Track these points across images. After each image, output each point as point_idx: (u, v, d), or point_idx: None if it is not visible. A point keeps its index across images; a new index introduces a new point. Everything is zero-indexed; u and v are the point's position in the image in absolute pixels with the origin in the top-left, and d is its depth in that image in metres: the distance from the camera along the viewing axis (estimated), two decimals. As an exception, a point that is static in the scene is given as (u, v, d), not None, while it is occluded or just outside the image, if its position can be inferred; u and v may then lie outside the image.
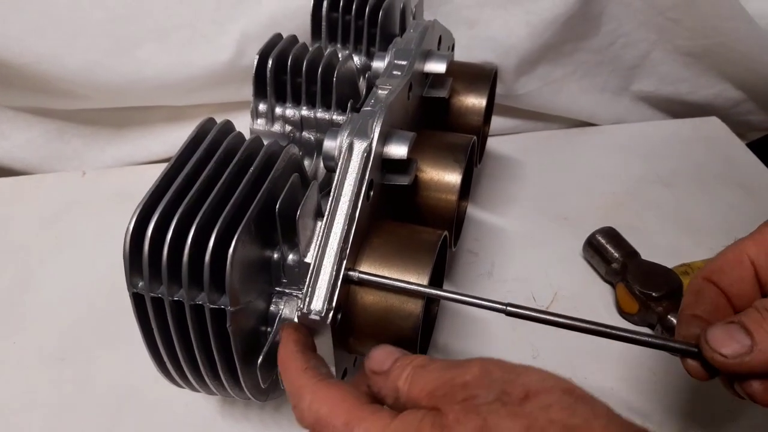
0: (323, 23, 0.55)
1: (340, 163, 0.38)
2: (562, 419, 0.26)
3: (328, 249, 0.36)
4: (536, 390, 0.27)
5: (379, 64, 0.50)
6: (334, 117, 0.45)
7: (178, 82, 0.63)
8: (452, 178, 0.46)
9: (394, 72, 0.46)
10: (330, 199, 0.37)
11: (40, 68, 0.61)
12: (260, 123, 0.46)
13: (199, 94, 0.66)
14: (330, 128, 0.42)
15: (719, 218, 0.64)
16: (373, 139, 0.38)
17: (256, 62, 0.44)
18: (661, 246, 0.60)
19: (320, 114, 0.45)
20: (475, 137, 0.50)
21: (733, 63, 0.73)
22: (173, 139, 0.70)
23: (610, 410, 0.27)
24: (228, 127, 0.39)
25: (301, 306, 0.35)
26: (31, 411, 0.49)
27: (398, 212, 0.46)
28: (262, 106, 0.46)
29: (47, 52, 0.61)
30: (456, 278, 0.58)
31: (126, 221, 0.62)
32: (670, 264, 0.56)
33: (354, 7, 0.54)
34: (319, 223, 0.37)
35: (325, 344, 0.36)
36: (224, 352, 0.35)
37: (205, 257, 0.32)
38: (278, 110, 0.46)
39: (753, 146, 0.74)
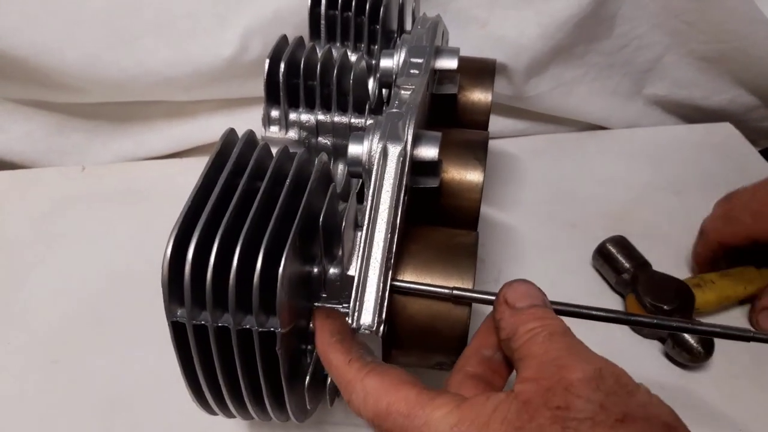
0: (322, 21, 0.53)
1: (375, 169, 0.36)
2: None
3: (372, 260, 0.34)
4: (635, 416, 0.25)
5: (388, 63, 0.48)
6: (352, 120, 0.44)
7: (179, 77, 0.62)
8: (475, 176, 0.45)
9: (412, 71, 0.44)
10: (368, 207, 0.35)
11: (39, 60, 0.59)
12: (273, 130, 0.44)
13: (201, 90, 0.64)
14: (352, 132, 0.40)
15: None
16: (407, 142, 0.37)
17: (267, 67, 0.42)
18: (671, 256, 0.58)
19: (337, 118, 0.44)
20: (488, 133, 0.49)
21: (748, 68, 0.71)
22: (175, 134, 0.68)
23: None
24: (252, 138, 0.37)
25: (350, 321, 0.33)
26: (22, 415, 0.47)
27: (419, 214, 0.45)
28: (274, 113, 0.44)
29: (46, 44, 0.59)
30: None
31: (126, 217, 0.61)
32: (681, 275, 0.54)
33: (354, 4, 0.52)
34: (359, 234, 0.36)
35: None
36: (271, 376, 0.33)
37: (254, 278, 0.31)
38: (292, 116, 0.44)
39: (766, 153, 0.72)
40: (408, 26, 0.57)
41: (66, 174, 0.68)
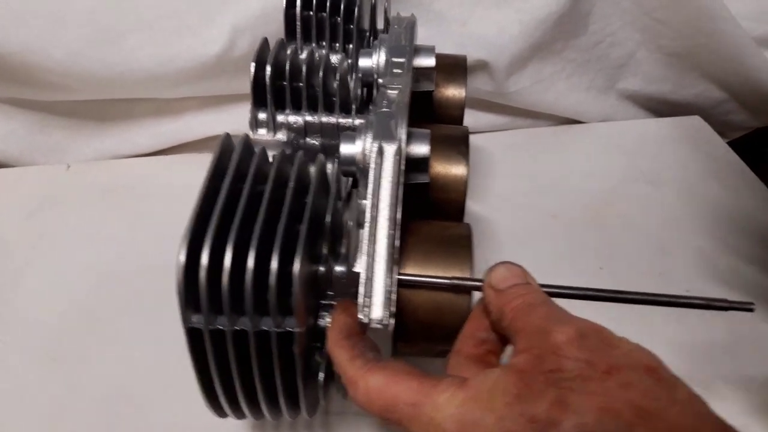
0: (297, 22, 0.54)
1: (373, 168, 0.38)
2: (638, 401, 0.26)
3: (377, 256, 0.35)
4: (619, 365, 0.27)
5: (367, 63, 0.49)
6: (340, 120, 0.45)
7: (165, 75, 0.62)
8: (459, 170, 0.47)
9: (395, 70, 0.46)
10: (368, 204, 0.36)
11: (24, 58, 0.59)
12: (262, 132, 0.45)
13: (188, 87, 0.64)
14: (343, 132, 0.42)
15: (703, 217, 0.65)
16: (402, 140, 0.38)
17: (252, 71, 0.43)
18: (646, 245, 0.61)
19: (325, 119, 0.45)
20: (468, 127, 0.50)
21: (716, 63, 0.74)
22: (160, 132, 0.68)
23: (692, 395, 0.27)
24: (249, 142, 0.38)
25: (360, 317, 0.35)
26: (22, 414, 0.47)
27: (408, 209, 0.46)
28: (261, 115, 0.45)
29: (31, 42, 0.59)
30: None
31: (114, 215, 0.61)
32: (656, 264, 0.57)
33: (328, 4, 0.53)
34: (361, 231, 0.37)
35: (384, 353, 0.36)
36: (286, 376, 0.34)
37: (269, 280, 0.32)
38: (280, 118, 0.45)
39: (733, 145, 0.76)
40: (380, 25, 0.58)
41: (51, 172, 0.68)
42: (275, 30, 0.62)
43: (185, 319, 0.33)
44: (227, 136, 0.38)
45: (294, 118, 0.45)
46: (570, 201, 0.66)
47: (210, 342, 0.33)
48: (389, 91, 0.43)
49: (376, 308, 0.36)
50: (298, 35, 0.53)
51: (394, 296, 0.36)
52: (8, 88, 0.65)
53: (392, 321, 0.36)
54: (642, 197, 0.68)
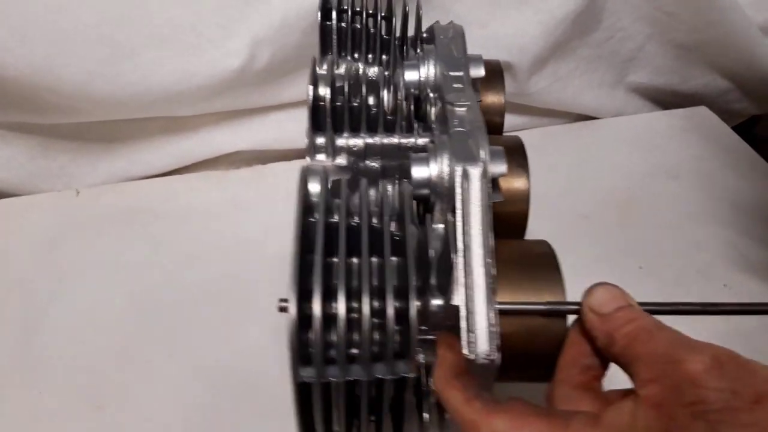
0: (333, 35, 0.51)
1: (459, 192, 0.36)
2: None
3: (475, 287, 0.34)
4: (766, 392, 0.26)
5: (413, 76, 0.48)
6: (402, 141, 0.43)
7: (184, 92, 0.59)
8: (521, 183, 0.45)
9: (455, 85, 0.44)
10: (459, 231, 0.35)
11: (30, 81, 0.55)
12: (320, 158, 0.43)
13: (206, 103, 0.61)
14: (413, 154, 0.40)
15: (727, 209, 0.66)
16: (486, 161, 0.37)
17: (310, 95, 0.41)
18: (679, 241, 0.62)
19: (386, 140, 0.43)
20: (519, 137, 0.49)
21: (724, 54, 0.75)
22: (174, 150, 0.65)
23: None
24: (327, 174, 0.36)
25: (467, 353, 0.33)
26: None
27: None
28: (320, 140, 0.43)
29: (37, 63, 0.55)
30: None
31: (134, 240, 0.58)
32: (691, 260, 0.58)
33: (364, 15, 0.51)
34: (455, 260, 0.35)
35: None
36: (395, 420, 0.33)
37: (387, 326, 0.30)
38: (340, 141, 0.43)
39: (737, 130, 0.78)
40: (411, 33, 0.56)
41: (60, 199, 0.64)
42: (296, 41, 0.60)
43: (296, 375, 0.31)
44: (307, 168, 0.36)
45: (354, 141, 0.43)
46: (598, 200, 0.66)
47: (320, 395, 0.32)
48: (457, 109, 0.41)
49: (482, 342, 0.34)
50: (334, 47, 0.51)
51: (497, 328, 0.35)
52: (7, 112, 0.61)
53: (499, 354, 0.35)
54: (666, 192, 0.68)
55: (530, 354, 0.38)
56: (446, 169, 0.39)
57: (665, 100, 0.82)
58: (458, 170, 0.37)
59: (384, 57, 0.51)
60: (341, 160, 0.43)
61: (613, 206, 0.66)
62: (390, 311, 0.31)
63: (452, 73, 0.44)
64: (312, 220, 0.35)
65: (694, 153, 0.74)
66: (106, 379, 0.49)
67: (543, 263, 0.39)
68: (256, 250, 0.59)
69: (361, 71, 0.49)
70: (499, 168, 0.40)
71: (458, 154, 0.38)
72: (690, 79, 0.79)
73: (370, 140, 0.43)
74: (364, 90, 0.41)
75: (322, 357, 0.31)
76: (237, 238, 0.60)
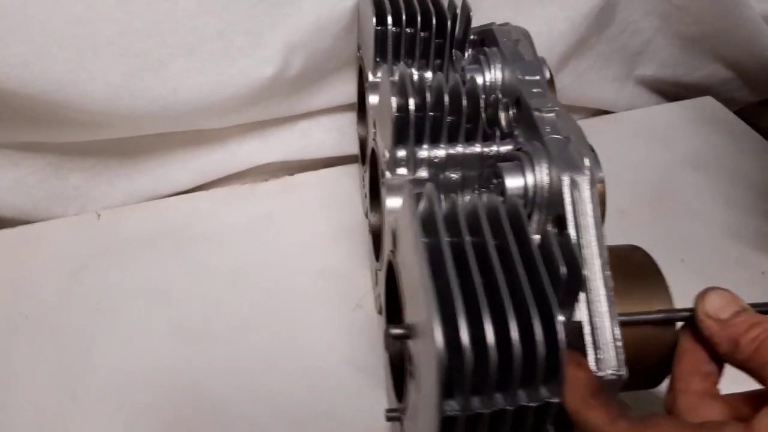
0: (389, 40, 0.50)
1: (568, 203, 0.35)
2: None
3: (597, 302, 0.33)
4: None
5: (479, 81, 0.47)
6: (484, 150, 0.41)
7: (214, 104, 0.55)
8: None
9: (534, 90, 0.43)
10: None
11: (53, 98, 0.51)
12: (401, 172, 0.41)
13: (237, 115, 0.58)
14: (502, 164, 0.39)
15: (751, 197, 0.68)
16: (593, 170, 0.36)
17: (395, 107, 0.39)
18: (713, 232, 0.63)
19: (469, 150, 0.41)
20: None
21: (728, 45, 0.77)
22: (201, 165, 0.61)
23: None
24: (432, 192, 0.34)
25: (595, 369, 0.32)
26: None
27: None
28: (401, 153, 0.41)
29: (60, 79, 0.50)
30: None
31: (170, 263, 0.54)
32: (726, 252, 0.59)
33: (419, 19, 0.50)
34: (585, 275, 0.34)
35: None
36: None
37: (537, 350, 0.29)
38: (422, 154, 0.41)
39: (739, 114, 0.80)
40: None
41: (80, 224, 0.59)
42: (329, 46, 0.58)
43: (440, 410, 0.29)
44: (417, 193, 0.34)
45: (435, 152, 0.41)
46: (631, 194, 0.66)
47: (465, 428, 0.30)
48: (546, 115, 0.40)
49: (610, 358, 0.34)
50: (389, 54, 0.49)
51: (621, 342, 0.34)
52: (19, 132, 0.56)
53: (626, 369, 0.34)
54: (692, 183, 0.69)
55: (641, 364, 0.37)
56: (546, 179, 0.38)
57: (670, 91, 0.83)
58: (565, 180, 0.36)
59: (437, 61, 0.50)
60: (422, 173, 0.41)
61: (647, 199, 0.66)
62: (538, 332, 0.29)
63: (528, 77, 0.43)
64: (425, 240, 0.32)
65: (710, 143, 0.75)
66: (163, 418, 0.46)
67: (646, 270, 0.39)
68: (300, 264, 0.57)
69: (416, 77, 0.47)
70: (599, 175, 0.39)
71: (561, 163, 0.37)
72: (695, 70, 0.80)
73: (452, 151, 0.41)
74: (446, 100, 0.40)
75: (471, 388, 0.29)
76: (278, 254, 0.58)
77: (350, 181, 0.66)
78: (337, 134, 0.64)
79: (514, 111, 0.43)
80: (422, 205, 0.34)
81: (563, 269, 0.32)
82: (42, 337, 0.50)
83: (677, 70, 0.80)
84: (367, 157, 0.52)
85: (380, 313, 0.53)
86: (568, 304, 0.34)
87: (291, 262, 0.57)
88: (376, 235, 0.51)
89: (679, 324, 0.36)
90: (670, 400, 0.35)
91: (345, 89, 0.62)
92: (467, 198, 0.44)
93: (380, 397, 0.48)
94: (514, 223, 0.33)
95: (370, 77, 0.49)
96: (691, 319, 0.36)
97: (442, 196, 0.41)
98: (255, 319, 0.53)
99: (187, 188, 0.62)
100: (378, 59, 0.49)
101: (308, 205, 0.63)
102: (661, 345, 0.37)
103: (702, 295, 0.35)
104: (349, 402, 0.48)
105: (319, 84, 0.61)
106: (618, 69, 0.77)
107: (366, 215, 0.61)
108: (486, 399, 0.30)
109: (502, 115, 0.43)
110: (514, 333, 0.29)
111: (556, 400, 0.31)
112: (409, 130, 0.40)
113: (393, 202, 0.41)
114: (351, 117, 0.65)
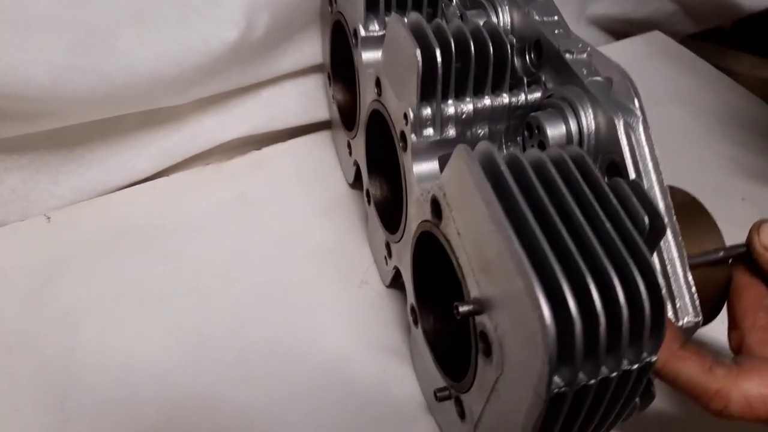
0: None
1: (625, 147, 0.33)
2: None
3: (666, 248, 0.32)
4: None
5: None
6: (512, 100, 0.38)
7: (176, 76, 0.48)
8: None
9: (556, 31, 0.40)
10: None
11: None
12: (428, 133, 0.37)
13: (200, 87, 0.51)
14: (540, 112, 0.36)
15: (718, 125, 0.69)
16: (642, 109, 0.34)
17: (419, 60, 0.35)
18: (689, 163, 0.63)
19: (498, 101, 0.38)
20: None
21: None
22: (157, 149, 0.54)
23: None
24: (493, 150, 0.30)
25: (673, 318, 0.31)
26: None
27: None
28: (426, 111, 0.36)
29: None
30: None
31: (141, 263, 0.49)
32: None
33: None
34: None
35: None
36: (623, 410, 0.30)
37: (644, 309, 0.26)
38: (449, 111, 0.37)
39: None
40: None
41: (28, 230, 0.51)
42: (294, 1, 0.52)
43: (549, 388, 0.26)
44: (465, 148, 0.30)
45: (462, 107, 0.38)
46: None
47: (570, 403, 0.28)
48: (578, 56, 0.37)
49: (687, 305, 0.32)
50: (381, 5, 0.44)
51: (694, 288, 0.33)
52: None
53: (701, 316, 0.33)
54: (658, 118, 0.68)
55: (702, 305, 0.36)
56: (593, 124, 0.35)
57: (620, 29, 0.83)
58: (620, 123, 0.34)
59: (429, 10, 0.46)
60: (452, 132, 0.38)
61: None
62: (643, 289, 0.27)
63: (547, 18, 0.40)
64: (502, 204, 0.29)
65: (667, 77, 0.75)
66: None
67: (694, 211, 0.38)
68: (289, 246, 0.52)
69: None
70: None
71: (610, 106, 0.34)
72: (643, 5, 0.80)
73: (479, 104, 0.38)
74: (473, 48, 0.36)
75: (581, 359, 0.26)
76: (262, 238, 0.53)
77: (323, 150, 0.61)
78: (304, 100, 0.59)
79: (532, 56, 0.40)
80: (479, 166, 0.30)
81: (646, 218, 0.30)
82: (14, 364, 0.43)
83: (627, 7, 0.80)
84: (359, 123, 0.48)
85: (389, 286, 0.49)
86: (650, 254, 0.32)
87: (279, 245, 0.52)
88: (385, 206, 0.47)
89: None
90: (737, 338, 0.34)
91: (310, 49, 0.57)
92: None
93: (409, 376, 0.45)
94: (586, 173, 0.30)
95: (362, 32, 0.44)
96: (746, 254, 0.35)
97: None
98: (252, 312, 0.48)
99: (145, 176, 0.55)
100: (369, 12, 0.44)
101: (283, 181, 0.57)
102: (718, 284, 0.36)
103: (756, 229, 0.34)
104: (377, 385, 0.44)
105: (284, 46, 0.55)
106: (571, 8, 0.76)
107: (351, 185, 0.57)
108: (593, 369, 0.27)
109: (518, 61, 0.40)
110: (620, 293, 0.26)
111: (654, 358, 0.29)
112: (437, 84, 0.35)
113: (422, 168, 0.37)
114: (317, 80, 0.60)
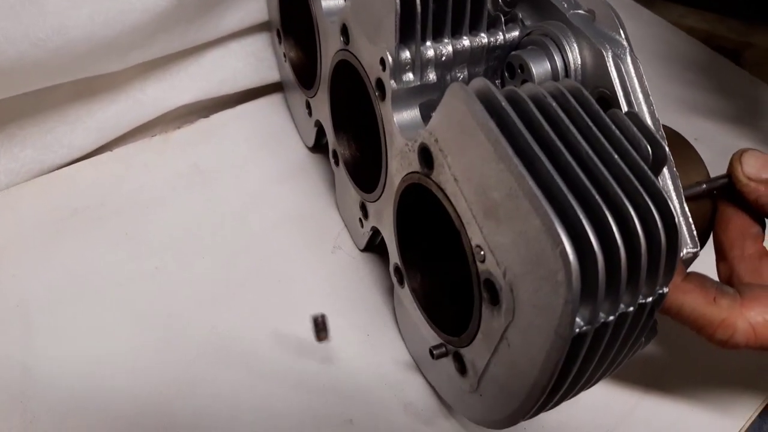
0: None
1: (616, 81, 0.32)
2: None
3: (664, 179, 0.31)
4: None
5: None
6: (491, 40, 0.36)
7: (113, 38, 0.44)
8: None
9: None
10: None
11: None
12: (408, 78, 0.35)
13: (140, 50, 0.47)
14: (521, 51, 0.34)
15: (662, 69, 0.70)
16: (629, 41, 0.33)
17: (398, 1, 0.32)
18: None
19: (476, 42, 0.36)
20: None
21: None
22: (96, 121, 0.49)
23: None
24: (490, 86, 0.28)
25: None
26: None
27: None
28: (404, 55, 0.34)
29: None
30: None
31: (96, 246, 0.45)
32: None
33: None
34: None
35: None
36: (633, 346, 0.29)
37: (661, 241, 0.25)
38: (429, 53, 0.35)
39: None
40: None
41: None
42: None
43: (572, 329, 0.25)
44: (461, 86, 0.28)
45: (441, 49, 0.35)
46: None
47: (590, 342, 0.27)
48: (558, -11, 0.36)
49: (685, 236, 0.32)
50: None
51: (690, 218, 0.33)
52: None
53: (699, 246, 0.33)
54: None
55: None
56: (579, 58, 0.34)
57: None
58: (609, 55, 0.33)
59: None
60: (432, 76, 0.36)
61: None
62: (658, 220, 0.26)
63: None
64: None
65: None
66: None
67: (678, 144, 0.38)
68: (254, 216, 0.49)
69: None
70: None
71: (597, 38, 0.33)
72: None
73: (458, 45, 0.36)
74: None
75: (603, 296, 0.26)
76: (223, 210, 0.49)
77: (277, 114, 0.57)
78: (253, 60, 0.55)
79: (504, -8, 0.38)
80: (480, 104, 0.28)
81: (648, 148, 0.29)
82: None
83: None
84: (319, 79, 0.45)
85: (364, 249, 0.48)
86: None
87: (242, 216, 0.49)
88: (356, 166, 0.45)
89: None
90: (725, 269, 0.34)
91: (255, 5, 0.53)
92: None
93: (394, 338, 0.44)
94: (585, 106, 0.29)
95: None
96: (728, 185, 0.35)
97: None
98: (222, 287, 0.45)
99: (86, 152, 0.50)
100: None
101: (238, 149, 0.54)
102: (704, 215, 0.36)
103: (738, 158, 0.34)
104: (361, 351, 0.42)
105: (227, 2, 0.51)
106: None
107: (311, 149, 0.54)
108: (612, 305, 0.26)
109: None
110: (638, 224, 0.26)
111: (666, 290, 0.28)
112: (416, 24, 0.33)
113: (404, 116, 0.35)
114: (265, 39, 0.56)
